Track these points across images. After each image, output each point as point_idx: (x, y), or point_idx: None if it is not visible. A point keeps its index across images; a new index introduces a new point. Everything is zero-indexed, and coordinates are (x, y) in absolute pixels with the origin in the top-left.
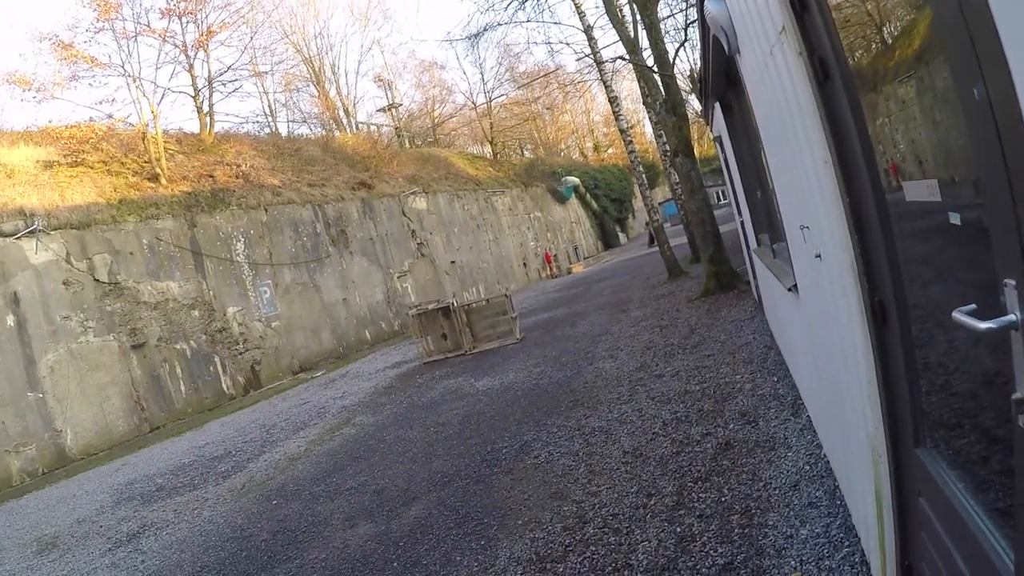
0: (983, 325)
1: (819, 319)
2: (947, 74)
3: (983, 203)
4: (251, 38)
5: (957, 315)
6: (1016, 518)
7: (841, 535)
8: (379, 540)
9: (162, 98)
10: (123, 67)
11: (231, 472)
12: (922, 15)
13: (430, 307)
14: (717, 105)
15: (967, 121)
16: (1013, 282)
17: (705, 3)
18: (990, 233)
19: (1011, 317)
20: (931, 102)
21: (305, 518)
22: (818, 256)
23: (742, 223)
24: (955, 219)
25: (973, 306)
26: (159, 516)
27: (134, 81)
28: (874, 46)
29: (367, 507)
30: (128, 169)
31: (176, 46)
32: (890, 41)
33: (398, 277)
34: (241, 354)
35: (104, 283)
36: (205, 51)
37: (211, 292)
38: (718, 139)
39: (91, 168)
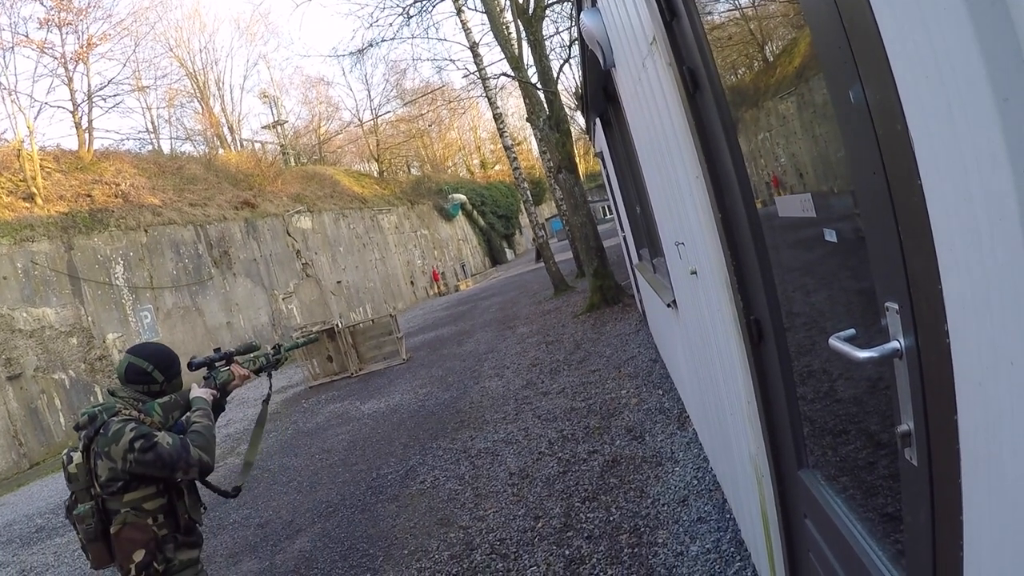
0: (862, 354)
1: (698, 336)
2: (823, 87)
3: (861, 218)
4: (134, 51)
5: (834, 342)
6: (907, 553)
7: (732, 550)
8: None
9: (39, 113)
10: None
11: None
12: (802, 33)
13: (314, 330)
14: (598, 121)
15: (842, 128)
16: (896, 306)
17: (581, 17)
18: (869, 251)
19: (894, 344)
20: (810, 116)
21: None
22: (694, 273)
23: (624, 238)
24: (830, 236)
25: (852, 331)
26: (39, 560)
27: (9, 94)
28: (755, 63)
29: (251, 542)
30: (1, 188)
31: (55, 58)
32: (771, 59)
33: (283, 299)
34: None
35: None
36: (85, 63)
37: (90, 318)
38: (600, 155)
39: None
